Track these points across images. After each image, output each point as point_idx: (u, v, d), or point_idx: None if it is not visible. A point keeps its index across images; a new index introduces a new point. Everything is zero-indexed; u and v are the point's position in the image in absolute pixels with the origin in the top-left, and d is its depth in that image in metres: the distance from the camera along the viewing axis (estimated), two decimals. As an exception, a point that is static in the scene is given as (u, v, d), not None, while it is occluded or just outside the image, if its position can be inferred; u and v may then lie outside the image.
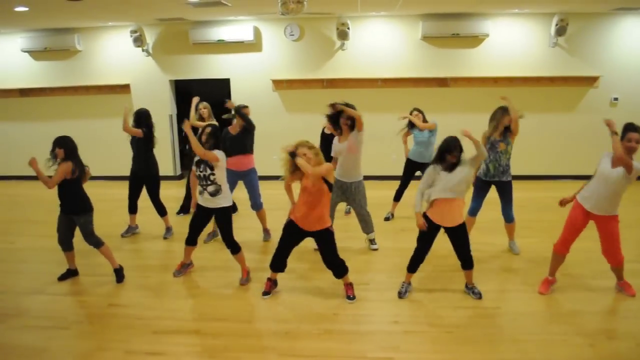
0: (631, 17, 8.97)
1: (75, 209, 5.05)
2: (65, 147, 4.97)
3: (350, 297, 4.72)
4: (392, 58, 9.47)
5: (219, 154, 4.93)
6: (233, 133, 6.24)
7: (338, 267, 4.68)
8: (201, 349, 3.96)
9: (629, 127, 4.40)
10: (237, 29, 9.35)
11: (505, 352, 3.85)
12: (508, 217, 5.77)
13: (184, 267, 5.43)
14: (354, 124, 5.65)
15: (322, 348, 3.95)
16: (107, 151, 9.76)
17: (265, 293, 4.86)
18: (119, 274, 5.28)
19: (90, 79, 10.05)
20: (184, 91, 10.80)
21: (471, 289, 4.79)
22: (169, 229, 6.74)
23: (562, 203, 4.82)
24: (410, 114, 7.09)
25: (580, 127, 9.44)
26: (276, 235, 6.34)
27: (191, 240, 5.25)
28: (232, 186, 6.39)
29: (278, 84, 9.77)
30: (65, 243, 5.19)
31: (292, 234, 4.67)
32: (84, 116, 10.21)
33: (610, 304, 4.60)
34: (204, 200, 5.02)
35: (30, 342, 4.06)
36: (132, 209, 6.73)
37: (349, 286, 4.78)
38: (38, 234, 6.65)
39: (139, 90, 10.05)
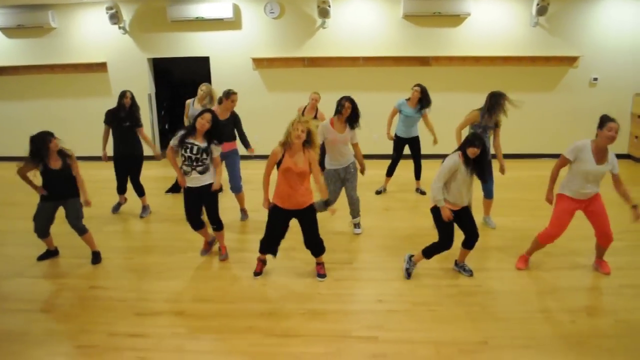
0: (611, -3, 9.03)
1: (72, 192, 5.02)
2: (30, 148, 4.86)
3: (322, 275, 4.76)
4: (374, 36, 9.42)
5: (218, 150, 5.00)
6: (221, 119, 6.10)
7: (318, 246, 4.71)
8: (185, 330, 3.94)
9: (607, 118, 4.44)
10: (216, 6, 9.21)
11: (487, 329, 3.90)
12: (489, 193, 5.89)
13: (210, 245, 5.43)
14: (354, 120, 5.53)
15: (307, 328, 3.95)
16: (85, 131, 9.57)
17: (257, 273, 4.84)
18: (97, 257, 5.23)
19: (66, 57, 9.84)
20: (162, 70, 10.63)
21: (462, 267, 4.84)
22: (145, 208, 6.73)
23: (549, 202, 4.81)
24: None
25: (560, 106, 9.54)
26: (253, 215, 6.38)
27: (197, 225, 5.17)
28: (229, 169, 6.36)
29: (258, 62, 9.66)
30: (43, 231, 5.11)
31: (278, 218, 4.62)
32: (60, 95, 10.01)
33: (590, 281, 4.68)
34: (191, 180, 4.95)
35: (11, 326, 4.00)
36: (122, 189, 6.71)
37: (321, 266, 4.81)
38: (16, 216, 6.52)
39: (116, 68, 9.87)
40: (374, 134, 9.22)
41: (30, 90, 10.04)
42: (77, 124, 9.72)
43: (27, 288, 4.69)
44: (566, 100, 9.41)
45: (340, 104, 5.48)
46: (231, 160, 6.31)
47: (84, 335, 3.87)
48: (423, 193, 7.40)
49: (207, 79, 9.79)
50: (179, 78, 11.61)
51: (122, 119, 6.37)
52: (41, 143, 4.82)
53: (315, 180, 4.56)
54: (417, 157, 7.44)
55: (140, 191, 6.66)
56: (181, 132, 4.93)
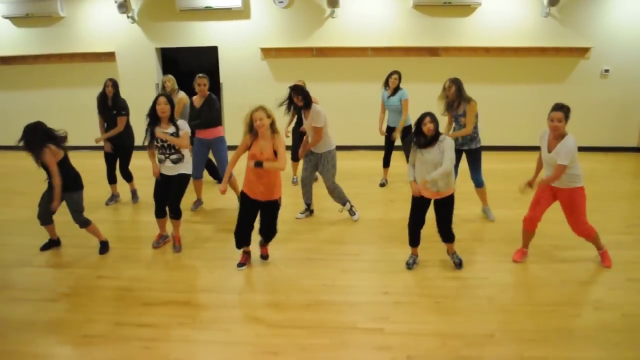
0: (624, -13, 8.90)
1: (67, 186, 4.94)
2: (25, 139, 4.78)
3: (265, 257, 4.95)
4: (383, 26, 9.34)
5: (186, 125, 5.04)
6: (197, 106, 6.16)
7: (271, 235, 4.80)
8: (191, 320, 3.95)
9: (553, 107, 4.50)
10: (224, -4, 9.15)
11: (493, 322, 3.88)
12: (478, 182, 5.90)
13: (162, 239, 5.41)
14: (307, 102, 5.63)
15: (312, 319, 3.96)
16: (93, 120, 9.59)
17: (241, 264, 4.83)
18: (105, 246, 5.24)
19: (74, 47, 9.83)
20: (170, 59, 10.62)
21: (451, 256, 4.84)
22: (134, 193, 6.86)
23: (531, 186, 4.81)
24: (390, 76, 7.24)
25: (570, 98, 9.28)
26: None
27: (160, 212, 5.24)
28: (203, 157, 6.36)
29: (267, 52, 9.62)
30: (45, 217, 5.11)
31: (246, 206, 4.62)
32: (69, 85, 10.02)
33: (597, 275, 4.64)
34: (165, 168, 5.03)
35: (18, 315, 4.03)
36: (112, 178, 6.76)
37: (265, 248, 4.98)
38: (22, 205, 6.54)
39: (124, 58, 9.86)
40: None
41: (39, 80, 10.05)
42: (86, 113, 9.70)
43: (34, 277, 4.72)
44: (577, 92, 9.30)
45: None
46: (216, 147, 6.30)
47: (90, 325, 3.89)
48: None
49: (215, 68, 9.77)
50: (187, 68, 11.59)
51: (109, 107, 6.42)
52: (32, 132, 4.79)
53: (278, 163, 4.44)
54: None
55: (128, 177, 6.77)
56: (147, 127, 5.00)
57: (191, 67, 11.43)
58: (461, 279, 4.57)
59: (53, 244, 5.32)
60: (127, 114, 6.50)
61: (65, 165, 4.93)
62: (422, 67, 9.36)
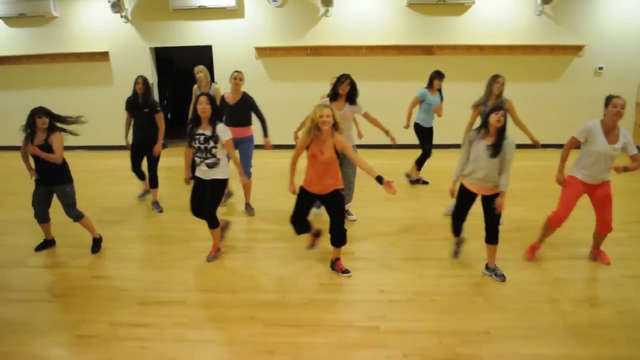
0: (617, -15, 8.94)
1: (59, 179, 4.94)
2: (51, 116, 4.83)
3: (345, 271, 4.63)
4: (377, 25, 9.35)
5: (227, 133, 4.78)
6: (230, 103, 6.06)
7: (340, 234, 4.56)
8: (187, 320, 3.94)
9: (612, 96, 4.43)
10: (218, -5, 9.14)
11: (489, 320, 3.89)
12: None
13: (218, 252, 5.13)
14: (352, 95, 5.47)
15: (309, 318, 3.95)
16: (88, 120, 9.57)
17: (310, 246, 4.90)
18: (97, 244, 5.22)
19: (67, 46, 9.81)
20: (164, 59, 10.59)
21: (491, 271, 4.66)
22: (156, 204, 6.58)
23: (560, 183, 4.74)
24: (435, 79, 7.04)
25: (564, 96, 9.47)
26: (258, 204, 6.35)
27: (198, 213, 5.00)
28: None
29: (261, 51, 9.61)
30: (42, 216, 5.09)
31: (303, 198, 4.56)
32: (62, 85, 10.00)
33: (592, 272, 4.66)
34: (201, 171, 4.84)
35: (13, 316, 4.01)
36: (140, 175, 6.61)
37: (339, 260, 4.69)
38: (16, 205, 6.51)
39: (118, 58, 9.84)
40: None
41: (32, 80, 10.03)
42: (79, 113, 9.64)
43: (29, 278, 4.69)
44: (571, 90, 9.34)
45: (339, 80, 5.41)
46: (245, 146, 6.16)
47: (85, 325, 3.87)
48: (413, 182, 7.40)
49: (210, 68, 9.74)
50: (182, 67, 11.57)
51: (139, 105, 6.23)
52: (29, 118, 4.80)
53: (354, 161, 4.47)
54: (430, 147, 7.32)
55: (154, 183, 6.51)
56: (189, 126, 4.81)
57: (185, 66, 11.44)
58: (457, 277, 4.58)
59: (48, 244, 5.30)
60: (161, 110, 6.36)
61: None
62: (417, 65, 9.37)
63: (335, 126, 4.29)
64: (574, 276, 4.58)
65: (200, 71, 6.98)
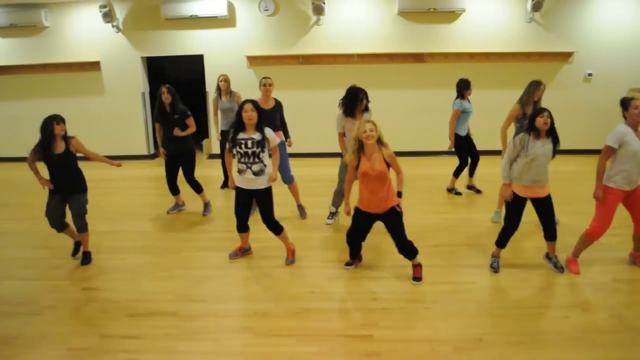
0: (606, -8, 9.02)
1: (76, 188, 4.98)
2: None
3: (417, 279, 4.59)
4: (368, 33, 9.38)
5: (276, 138, 4.78)
6: (265, 108, 6.02)
7: (407, 249, 4.54)
8: (178, 331, 3.91)
9: (627, 98, 4.49)
10: (210, 4, 9.15)
11: (482, 326, 3.88)
12: None
13: (241, 251, 5.19)
14: (366, 104, 5.62)
15: (301, 327, 3.93)
16: (79, 130, 9.49)
17: (347, 264, 4.90)
18: (87, 257, 5.19)
19: (59, 56, 9.78)
20: (156, 68, 10.58)
21: (551, 260, 4.82)
22: (206, 205, 6.58)
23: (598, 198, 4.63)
24: (465, 90, 6.90)
25: (555, 102, 9.35)
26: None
27: (242, 227, 4.99)
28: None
29: (253, 60, 9.62)
30: (61, 224, 5.05)
31: (359, 219, 4.57)
32: (54, 95, 9.95)
33: (583, 277, 4.65)
34: (244, 180, 4.74)
35: (1, 329, 3.96)
36: (174, 190, 6.53)
37: (417, 268, 4.64)
38: (6, 217, 6.48)
39: (109, 67, 9.82)
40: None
41: (23, 90, 9.98)
42: (71, 123, 9.58)
43: (18, 291, 4.64)
44: (561, 96, 9.38)
45: (357, 97, 5.52)
46: (280, 150, 6.16)
47: (76, 338, 3.84)
48: (477, 191, 7.29)
49: (202, 77, 9.75)
50: (173, 76, 11.57)
51: (168, 114, 6.19)
52: (47, 126, 4.83)
53: (396, 172, 4.53)
54: (476, 152, 7.17)
55: (197, 188, 6.48)
56: (232, 132, 4.73)
57: (177, 75, 11.45)
58: (449, 283, 4.57)
59: (79, 245, 5.26)
60: (191, 114, 6.31)
61: (76, 166, 4.99)
62: (408, 73, 9.41)
63: (379, 140, 4.34)
64: (565, 281, 4.58)
65: (223, 80, 7.10)
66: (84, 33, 9.68)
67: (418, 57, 9.41)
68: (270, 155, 4.82)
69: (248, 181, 4.72)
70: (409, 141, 9.64)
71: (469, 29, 9.25)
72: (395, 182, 4.53)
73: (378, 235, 5.62)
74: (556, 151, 4.50)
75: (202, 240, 5.72)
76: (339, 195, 5.91)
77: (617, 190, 4.48)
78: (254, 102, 4.67)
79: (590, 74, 9.34)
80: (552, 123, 4.43)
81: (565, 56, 9.29)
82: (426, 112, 9.46)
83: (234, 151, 4.72)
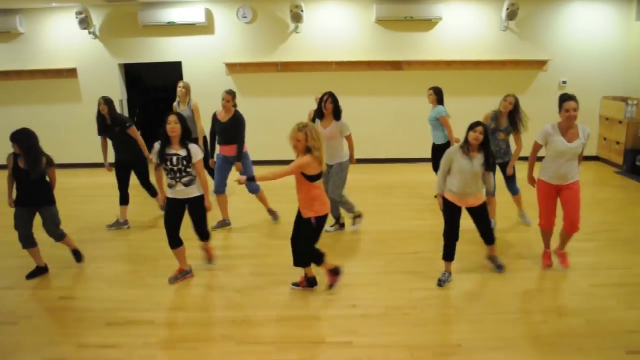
0: (579, 2, 9.22)
1: (45, 200, 4.90)
2: (18, 144, 4.71)
3: (296, 284, 4.63)
4: (347, 41, 9.44)
5: (200, 154, 4.73)
6: (222, 120, 6.05)
7: (306, 257, 4.52)
8: (156, 339, 3.87)
9: (565, 97, 4.59)
10: (188, 11, 9.13)
11: (460, 332, 3.92)
12: (514, 190, 6.04)
13: (182, 274, 4.93)
14: (337, 112, 5.63)
15: (280, 334, 3.93)
16: (55, 138, 9.39)
17: (294, 284, 4.71)
18: (78, 255, 5.23)
19: (34, 63, 9.65)
20: (134, 75, 10.49)
21: (492, 260, 4.95)
22: (163, 208, 6.51)
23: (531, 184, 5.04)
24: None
25: (530, 109, 9.47)
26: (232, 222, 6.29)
27: (175, 242, 4.80)
28: (225, 173, 6.22)
29: (231, 67, 9.61)
30: (29, 239, 4.91)
31: (297, 219, 4.57)
32: (29, 102, 9.81)
33: (561, 282, 4.73)
34: (175, 192, 4.68)
35: (-25, 339, 3.89)
36: (124, 199, 6.42)
37: (306, 278, 4.65)
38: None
39: (86, 74, 9.71)
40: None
41: (-2, 97, 9.83)
42: (47, 131, 9.39)
43: (-6, 300, 4.57)
44: (537, 103, 9.48)
45: (322, 100, 5.61)
46: (243, 162, 6.13)
47: (52, 348, 3.78)
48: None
49: (180, 84, 9.69)
50: (151, 83, 11.49)
51: (109, 126, 6.15)
52: (36, 142, 4.79)
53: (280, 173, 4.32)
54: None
55: (152, 192, 6.52)
56: (157, 145, 4.65)
57: (155, 82, 11.37)
58: (428, 289, 4.60)
59: (40, 271, 5.05)
60: (133, 123, 6.26)
61: (45, 179, 4.91)
62: (385, 80, 9.48)
63: (308, 149, 4.22)
64: (542, 286, 4.66)
65: (183, 86, 7.05)
66: (60, 39, 9.57)
67: (395, 65, 9.49)
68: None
69: (180, 192, 4.69)
70: (387, 148, 9.72)
71: (445, 37, 9.37)
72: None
73: (357, 243, 5.66)
74: (491, 165, 4.54)
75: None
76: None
77: (546, 183, 4.75)
78: (178, 114, 4.64)
79: (564, 82, 9.52)
80: (486, 138, 4.46)
81: (540, 64, 9.45)
82: (404, 119, 9.53)
83: (162, 166, 4.68)
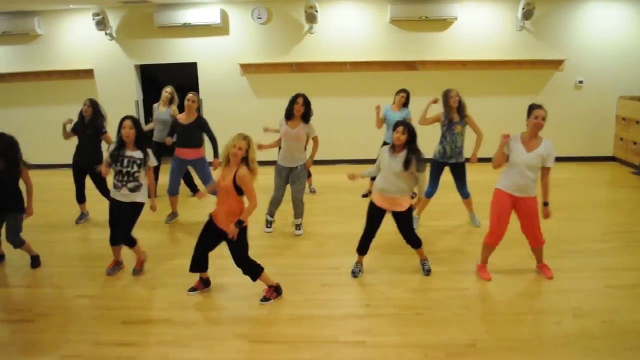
0: (596, 1, 9.13)
1: (14, 207, 4.95)
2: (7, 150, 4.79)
3: (265, 299, 4.44)
4: (361, 41, 9.44)
5: (154, 160, 4.88)
6: (184, 123, 6.13)
7: (245, 270, 4.37)
8: (172, 338, 3.91)
9: (533, 106, 4.57)
10: (203, 12, 9.19)
11: (474, 332, 3.90)
12: (465, 194, 6.03)
13: (117, 265, 5.10)
14: (307, 116, 5.68)
15: (294, 334, 3.94)
16: (72, 139, 9.53)
17: (192, 289, 4.65)
18: (35, 261, 5.21)
19: (52, 64, 9.77)
20: (150, 76, 10.58)
21: (421, 264, 4.96)
22: None
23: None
24: (398, 94, 7.15)
25: (546, 109, 9.57)
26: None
27: (115, 240, 4.92)
28: (180, 175, 6.36)
29: (246, 68, 9.65)
30: None
31: (207, 232, 4.40)
32: (46, 103, 9.93)
33: (576, 283, 4.69)
34: (119, 194, 4.77)
35: (-7, 336, 3.95)
36: (81, 198, 6.59)
37: (268, 289, 4.49)
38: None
39: (103, 75, 9.82)
40: (361, 140, 9.29)
41: (16, 98, 9.94)
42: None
43: (10, 298, 4.64)
44: (552, 103, 9.32)
45: (293, 101, 5.66)
46: (200, 168, 6.32)
47: (69, 345, 3.83)
48: None
49: (195, 84, 9.76)
50: (167, 84, 11.53)
51: (84, 126, 6.27)
52: (17, 150, 4.82)
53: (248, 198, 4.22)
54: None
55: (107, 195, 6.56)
56: (113, 147, 4.77)
57: (171, 83, 11.41)
58: (442, 290, 4.59)
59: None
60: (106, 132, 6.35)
61: (17, 185, 4.94)
62: (400, 81, 9.42)
63: (246, 159, 4.13)
64: (557, 287, 4.61)
65: (169, 91, 7.21)
66: (77, 41, 9.68)
67: (410, 65, 9.47)
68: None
69: (124, 196, 4.77)
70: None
71: (460, 37, 9.32)
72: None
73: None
74: (412, 166, 4.48)
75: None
76: (275, 204, 6.03)
77: (503, 193, 4.63)
78: (133, 119, 4.72)
79: (580, 82, 9.43)
80: (410, 137, 4.50)
81: (556, 64, 9.37)
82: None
83: (112, 166, 4.74)
